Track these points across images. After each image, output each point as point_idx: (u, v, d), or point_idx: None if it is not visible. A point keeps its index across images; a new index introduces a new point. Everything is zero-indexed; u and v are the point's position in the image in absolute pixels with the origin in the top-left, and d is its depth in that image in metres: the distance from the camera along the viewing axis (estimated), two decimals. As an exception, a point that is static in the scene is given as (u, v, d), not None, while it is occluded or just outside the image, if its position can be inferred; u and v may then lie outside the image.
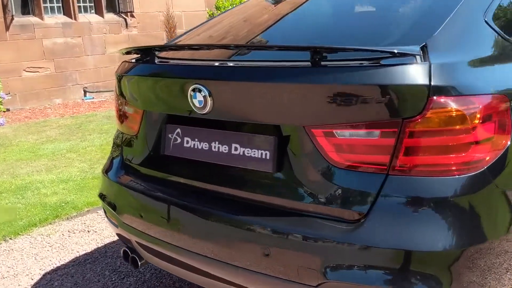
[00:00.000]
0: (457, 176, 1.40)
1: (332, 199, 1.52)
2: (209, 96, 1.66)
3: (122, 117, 2.19)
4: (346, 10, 2.28)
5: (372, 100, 1.41)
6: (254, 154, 1.67)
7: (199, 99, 1.69)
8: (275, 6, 2.59)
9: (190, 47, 2.01)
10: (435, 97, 1.38)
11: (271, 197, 1.64)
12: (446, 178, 1.40)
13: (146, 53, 2.00)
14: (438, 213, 1.40)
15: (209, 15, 10.17)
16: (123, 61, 2.21)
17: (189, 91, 1.71)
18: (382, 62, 1.45)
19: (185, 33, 2.55)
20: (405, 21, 1.83)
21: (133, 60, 2.12)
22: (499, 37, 1.74)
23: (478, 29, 1.69)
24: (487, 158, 1.43)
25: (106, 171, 2.27)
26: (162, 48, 2.10)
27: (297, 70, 1.55)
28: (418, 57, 1.43)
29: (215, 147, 1.78)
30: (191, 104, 1.72)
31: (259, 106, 1.61)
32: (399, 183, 1.43)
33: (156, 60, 1.98)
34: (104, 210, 2.32)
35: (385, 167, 1.44)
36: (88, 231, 3.43)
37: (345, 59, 1.53)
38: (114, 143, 2.35)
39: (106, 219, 2.33)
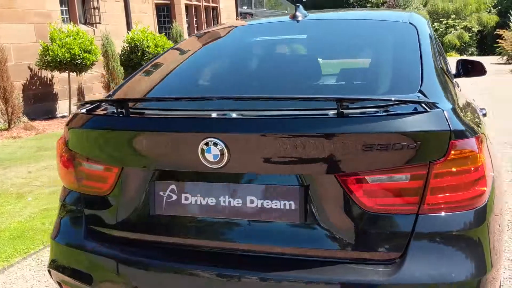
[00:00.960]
0: (475, 209, 1.58)
1: (367, 243, 1.58)
2: (226, 149, 1.59)
3: (79, 176, 1.93)
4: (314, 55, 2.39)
5: (401, 146, 1.52)
6: (275, 205, 1.64)
7: (214, 153, 1.61)
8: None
9: (177, 98, 1.87)
10: (456, 141, 1.54)
11: (297, 249, 1.63)
12: (467, 212, 1.58)
13: (120, 105, 1.82)
14: (465, 244, 1.56)
15: (43, 48, 9.39)
16: (76, 113, 1.97)
17: (201, 145, 1.61)
18: (400, 110, 1.58)
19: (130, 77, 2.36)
20: (387, 73, 2.00)
21: (98, 113, 1.91)
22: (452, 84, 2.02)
23: (441, 76, 1.93)
24: (489, 189, 1.65)
25: (63, 239, 1.97)
26: (139, 100, 1.93)
27: (325, 121, 1.58)
28: (432, 105, 1.59)
29: (224, 202, 1.70)
30: (201, 159, 1.62)
31: (282, 157, 1.60)
32: (429, 222, 1.56)
33: (136, 113, 1.82)
34: (58, 283, 2.00)
35: (415, 208, 1.56)
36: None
37: (367, 107, 1.61)
38: (63, 205, 2.06)
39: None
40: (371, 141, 1.53)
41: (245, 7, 18.61)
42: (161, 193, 1.77)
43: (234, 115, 1.66)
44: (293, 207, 1.62)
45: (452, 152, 1.55)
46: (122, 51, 11.89)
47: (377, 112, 1.58)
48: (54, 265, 1.99)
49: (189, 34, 13.95)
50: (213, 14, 15.32)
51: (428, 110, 1.56)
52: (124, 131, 1.80)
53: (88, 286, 1.86)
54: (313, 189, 1.62)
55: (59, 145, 2.06)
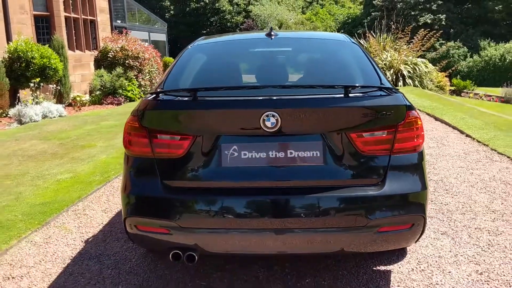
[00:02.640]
0: (419, 151, 2.72)
1: (362, 174, 2.62)
2: (280, 119, 2.52)
3: (155, 145, 2.67)
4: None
5: (382, 114, 2.59)
6: (307, 154, 2.60)
7: (271, 122, 2.52)
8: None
9: (231, 88, 2.74)
10: (409, 111, 2.66)
11: (322, 181, 2.60)
12: (415, 153, 2.70)
13: (195, 93, 2.63)
14: (416, 171, 2.69)
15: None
16: (148, 99, 2.72)
17: (263, 116, 2.51)
18: (381, 93, 2.66)
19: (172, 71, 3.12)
20: (357, 74, 3.07)
21: (173, 98, 2.69)
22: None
23: (384, 75, 3.08)
24: (423, 140, 2.80)
25: (139, 192, 2.68)
26: (205, 89, 2.73)
27: (338, 99, 2.60)
28: (396, 91, 2.70)
29: (272, 154, 2.61)
30: (262, 126, 2.52)
31: (312, 122, 2.57)
32: (396, 159, 2.65)
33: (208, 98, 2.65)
34: (138, 226, 2.69)
35: (389, 151, 2.64)
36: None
37: (359, 92, 2.66)
38: (133, 168, 2.75)
39: (142, 233, 2.70)
40: (365, 111, 2.58)
41: (119, 21, 18.89)
42: (225, 152, 2.62)
43: (284, 97, 2.60)
44: (318, 155, 2.60)
45: (408, 118, 2.66)
46: (2, 62, 11.60)
47: (367, 94, 2.65)
48: (132, 213, 2.69)
49: (69, 46, 13.96)
50: (91, 27, 15.45)
51: (396, 93, 2.67)
52: (201, 110, 2.61)
53: (165, 220, 2.60)
54: (330, 143, 2.61)
55: (128, 124, 2.76)
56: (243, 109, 2.58)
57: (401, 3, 35.45)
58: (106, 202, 4.83)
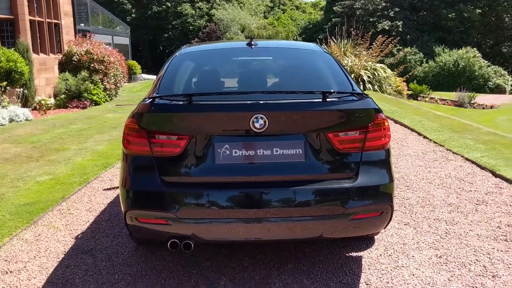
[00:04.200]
0: (386, 149, 3.10)
1: (339, 168, 2.98)
2: (267, 120, 2.85)
3: (153, 144, 2.95)
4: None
5: (355, 116, 2.97)
6: (290, 152, 2.94)
7: (260, 123, 2.85)
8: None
9: (222, 93, 3.04)
10: (378, 114, 3.04)
11: (304, 175, 2.95)
12: (383, 150, 3.09)
13: (189, 97, 2.93)
14: (384, 166, 3.07)
15: None
16: (146, 103, 3.00)
17: (252, 118, 2.84)
18: (354, 98, 3.03)
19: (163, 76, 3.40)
20: (330, 81, 3.44)
21: (169, 102, 2.98)
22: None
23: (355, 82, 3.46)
24: (390, 139, 3.19)
25: (139, 187, 2.95)
26: (200, 94, 3.03)
27: (317, 103, 2.95)
28: (366, 96, 3.08)
29: (260, 152, 2.93)
30: (251, 126, 2.85)
31: (295, 124, 2.91)
32: (367, 155, 3.03)
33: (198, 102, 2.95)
34: (138, 218, 2.96)
35: (361, 149, 3.01)
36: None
37: (335, 97, 3.03)
38: (133, 165, 3.02)
39: (142, 225, 2.98)
40: (341, 114, 2.95)
41: (82, 25, 18.82)
42: (218, 150, 2.92)
43: (271, 101, 2.93)
44: (300, 152, 2.94)
45: (376, 119, 3.04)
46: (-36, 65, 11.47)
47: (342, 99, 3.01)
48: (133, 206, 2.96)
49: (33, 49, 13.88)
50: (56, 30, 15.37)
51: (366, 98, 3.05)
52: (196, 113, 2.91)
53: (164, 212, 2.88)
54: (311, 141, 2.95)
55: (128, 126, 3.03)
56: (235, 112, 2.90)
57: (360, 10, 36.55)
58: (89, 202, 5.03)
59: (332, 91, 3.11)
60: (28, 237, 4.06)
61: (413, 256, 3.58)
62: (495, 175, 5.85)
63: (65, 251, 3.78)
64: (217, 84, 3.54)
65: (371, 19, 35.60)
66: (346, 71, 3.56)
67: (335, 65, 3.63)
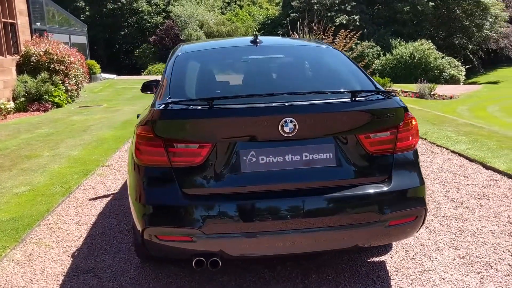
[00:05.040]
0: (415, 149, 2.96)
1: (371, 172, 2.81)
2: (297, 124, 2.64)
3: (171, 154, 2.69)
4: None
5: (386, 116, 2.80)
6: (320, 156, 2.75)
7: (289, 127, 2.64)
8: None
9: (245, 96, 2.80)
10: (407, 113, 2.90)
11: (336, 181, 2.76)
12: (413, 151, 2.94)
13: (211, 101, 2.68)
14: (415, 167, 2.93)
15: None
16: (161, 109, 2.73)
17: (281, 122, 2.62)
18: (381, 97, 2.87)
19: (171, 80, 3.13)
20: (349, 77, 3.26)
21: (187, 107, 2.72)
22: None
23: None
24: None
25: (159, 202, 2.69)
26: (221, 98, 2.77)
27: (348, 103, 2.76)
28: (394, 95, 2.92)
29: (288, 158, 2.72)
30: (280, 131, 2.64)
31: (325, 126, 2.72)
32: (398, 157, 2.88)
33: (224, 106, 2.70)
34: (158, 236, 2.70)
35: (392, 150, 2.86)
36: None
37: (365, 96, 2.85)
38: (148, 178, 2.75)
39: (162, 243, 2.71)
40: (372, 114, 2.78)
41: (38, 24, 17.97)
42: (244, 157, 2.70)
43: (302, 102, 2.72)
44: (331, 157, 2.75)
45: (406, 118, 2.89)
46: None
47: (370, 98, 2.84)
48: (152, 223, 2.69)
49: (-12, 51, 13.11)
50: (12, 30, 14.58)
51: (394, 96, 2.89)
52: (219, 118, 2.67)
53: (188, 228, 2.64)
54: (341, 145, 2.77)
55: (141, 135, 2.76)
56: (262, 116, 2.67)
57: (317, 5, 36.75)
58: (77, 215, 4.68)
59: (360, 90, 2.94)
60: (19, 258, 3.71)
61: (436, 258, 3.46)
62: (486, 167, 5.87)
63: (64, 272, 3.46)
64: (233, 86, 3.30)
65: (328, 14, 35.85)
66: (361, 67, 3.39)
67: (349, 62, 3.46)
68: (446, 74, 31.84)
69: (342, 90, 2.94)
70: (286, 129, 2.65)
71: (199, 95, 3.04)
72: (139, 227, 2.76)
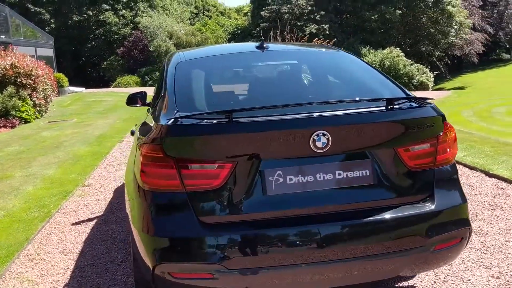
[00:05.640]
0: (454, 162, 2.65)
1: (412, 190, 2.49)
2: (330, 137, 2.30)
3: (185, 177, 2.31)
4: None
5: (426, 126, 2.49)
6: (356, 174, 2.41)
7: (322, 141, 2.29)
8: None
9: (266, 107, 2.42)
10: (445, 121, 2.59)
11: (374, 202, 2.42)
12: (452, 164, 2.64)
13: (229, 115, 2.31)
14: (456, 182, 2.62)
15: None
16: (171, 125, 2.34)
17: (313, 136, 2.27)
18: (416, 104, 2.55)
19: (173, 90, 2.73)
20: (374, 83, 2.94)
21: (201, 121, 2.33)
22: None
23: None
24: None
25: (175, 233, 2.29)
26: (242, 110, 2.39)
27: (384, 113, 2.43)
28: (430, 102, 2.61)
29: (319, 177, 2.37)
30: (312, 146, 2.28)
31: (361, 139, 2.38)
32: (439, 172, 2.56)
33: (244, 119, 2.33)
34: (173, 273, 2.30)
35: (433, 164, 2.54)
36: None
37: (399, 103, 2.53)
38: (157, 205, 2.36)
39: (178, 281, 2.31)
40: (411, 124, 2.45)
41: (3, 36, 17.20)
42: (270, 178, 2.33)
43: (336, 113, 2.37)
44: (367, 174, 2.42)
45: (445, 128, 2.58)
46: None
47: (407, 106, 2.52)
48: (165, 258, 2.29)
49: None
50: (-26, 43, 13.86)
51: (430, 104, 2.58)
52: (241, 133, 2.29)
53: (208, 263, 2.25)
54: (378, 160, 2.44)
55: (148, 155, 2.37)
56: (291, 129, 2.32)
57: (287, 14, 36.72)
58: (60, 242, 4.21)
59: (396, 97, 2.62)
60: (-2, 298, 3.23)
61: (469, 280, 3.16)
62: (489, 175, 5.65)
63: (53, 314, 3.00)
64: (248, 96, 2.93)
65: (298, 23, 35.83)
66: (383, 72, 3.09)
67: (368, 67, 3.15)
68: (415, 81, 32.12)
69: (376, 97, 2.61)
70: (319, 144, 2.30)
71: (212, 107, 2.66)
72: (148, 263, 2.36)
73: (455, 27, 39.70)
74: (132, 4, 38.88)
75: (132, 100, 4.39)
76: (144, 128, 2.92)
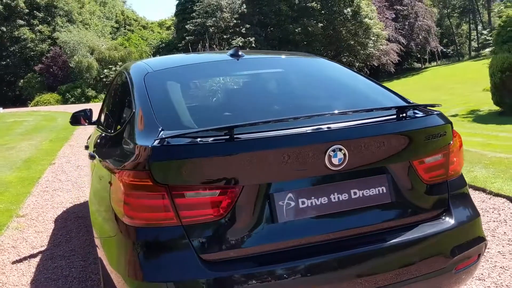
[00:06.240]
0: (461, 174, 2.47)
1: (429, 206, 2.27)
2: (347, 152, 2.02)
3: (181, 208, 1.93)
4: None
5: (439, 135, 2.28)
6: (372, 192, 2.14)
7: (339, 157, 2.01)
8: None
9: (269, 121, 2.07)
10: (453, 129, 2.40)
11: (393, 221, 2.17)
12: (461, 174, 2.45)
13: (229, 132, 1.96)
14: (468, 195, 2.44)
15: None
16: (159, 146, 1.96)
17: (328, 151, 1.98)
18: (422, 113, 2.34)
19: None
20: (370, 91, 2.70)
21: (194, 141, 1.97)
22: None
23: None
24: None
25: (172, 276, 1.90)
26: (244, 125, 2.03)
27: (400, 122, 2.20)
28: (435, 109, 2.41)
29: (334, 198, 2.08)
30: (327, 163, 1.99)
31: (377, 152, 2.13)
32: (452, 184, 2.37)
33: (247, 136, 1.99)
34: None
35: (445, 176, 2.34)
36: None
37: (411, 112, 2.30)
38: (151, 244, 1.96)
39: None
40: (426, 133, 2.24)
41: None
42: (280, 202, 2.01)
43: (350, 124, 2.10)
44: (384, 191, 2.16)
45: (454, 136, 2.39)
46: None
47: (418, 115, 2.30)
48: None
49: None
50: None
51: (437, 111, 2.38)
52: (246, 153, 1.95)
53: None
54: (394, 174, 2.19)
55: (131, 184, 1.96)
56: (304, 145, 2.01)
57: (213, 28, 36.59)
58: (2, 286, 3.61)
59: (405, 104, 2.40)
60: None
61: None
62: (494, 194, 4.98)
63: None
64: (239, 110, 2.57)
65: (224, 36, 35.83)
66: (374, 80, 2.87)
67: (357, 75, 2.93)
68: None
69: (386, 106, 2.38)
70: (335, 160, 2.01)
71: (202, 123, 2.29)
72: None
73: (373, 38, 41.45)
74: (50, 19, 36.99)
75: (77, 119, 3.92)
76: (114, 150, 2.49)
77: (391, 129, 2.18)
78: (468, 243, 2.29)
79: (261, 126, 2.06)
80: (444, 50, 57.46)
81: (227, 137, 1.97)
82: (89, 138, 4.86)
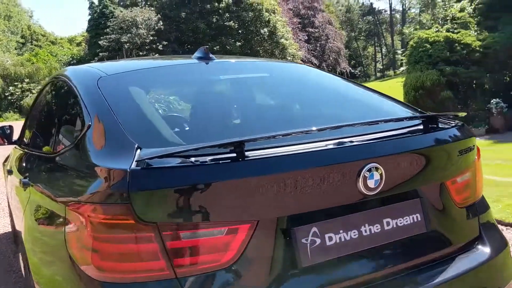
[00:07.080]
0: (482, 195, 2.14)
1: (464, 233, 1.90)
2: (384, 172, 1.60)
3: (174, 253, 1.39)
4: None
5: (467, 150, 1.92)
6: (406, 221, 1.73)
7: (375, 179, 1.57)
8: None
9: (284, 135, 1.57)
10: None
11: (431, 254, 1.76)
12: (482, 196, 2.12)
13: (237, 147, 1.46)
14: (492, 217, 2.10)
15: None
16: (144, 169, 1.41)
17: (363, 172, 1.54)
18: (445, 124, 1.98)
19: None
20: (369, 99, 2.31)
21: (195, 161, 1.44)
22: None
23: None
24: None
25: None
26: (254, 139, 1.51)
27: (432, 136, 1.81)
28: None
29: (365, 231, 1.64)
30: (362, 186, 1.55)
31: (410, 173, 1.72)
32: (480, 206, 2.03)
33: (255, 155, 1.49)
34: None
35: (474, 197, 2.00)
36: None
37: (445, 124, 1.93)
38: None
39: None
40: (458, 148, 1.88)
41: None
42: (303, 240, 1.53)
43: (381, 136, 1.67)
44: (419, 219, 1.76)
45: (478, 151, 2.06)
46: None
47: (445, 126, 1.93)
48: None
49: None
50: None
51: (459, 122, 2.03)
52: (262, 176, 1.45)
53: None
54: (427, 199, 1.80)
55: (105, 223, 1.39)
56: (333, 163, 1.54)
57: (128, 44, 35.32)
58: None
59: (434, 114, 2.01)
60: None
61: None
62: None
63: None
64: (230, 121, 2.05)
65: (140, 53, 34.74)
66: (372, 88, 2.50)
67: (351, 84, 2.56)
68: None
69: (412, 116, 2.00)
70: (371, 183, 1.57)
71: (190, 138, 1.75)
72: None
73: (289, 58, 42.31)
74: None
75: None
76: (61, 176, 1.88)
77: (427, 143, 1.79)
78: (505, 278, 1.94)
79: (271, 141, 1.57)
80: (353, 71, 60.05)
81: (234, 155, 1.46)
82: (5, 161, 4.14)
